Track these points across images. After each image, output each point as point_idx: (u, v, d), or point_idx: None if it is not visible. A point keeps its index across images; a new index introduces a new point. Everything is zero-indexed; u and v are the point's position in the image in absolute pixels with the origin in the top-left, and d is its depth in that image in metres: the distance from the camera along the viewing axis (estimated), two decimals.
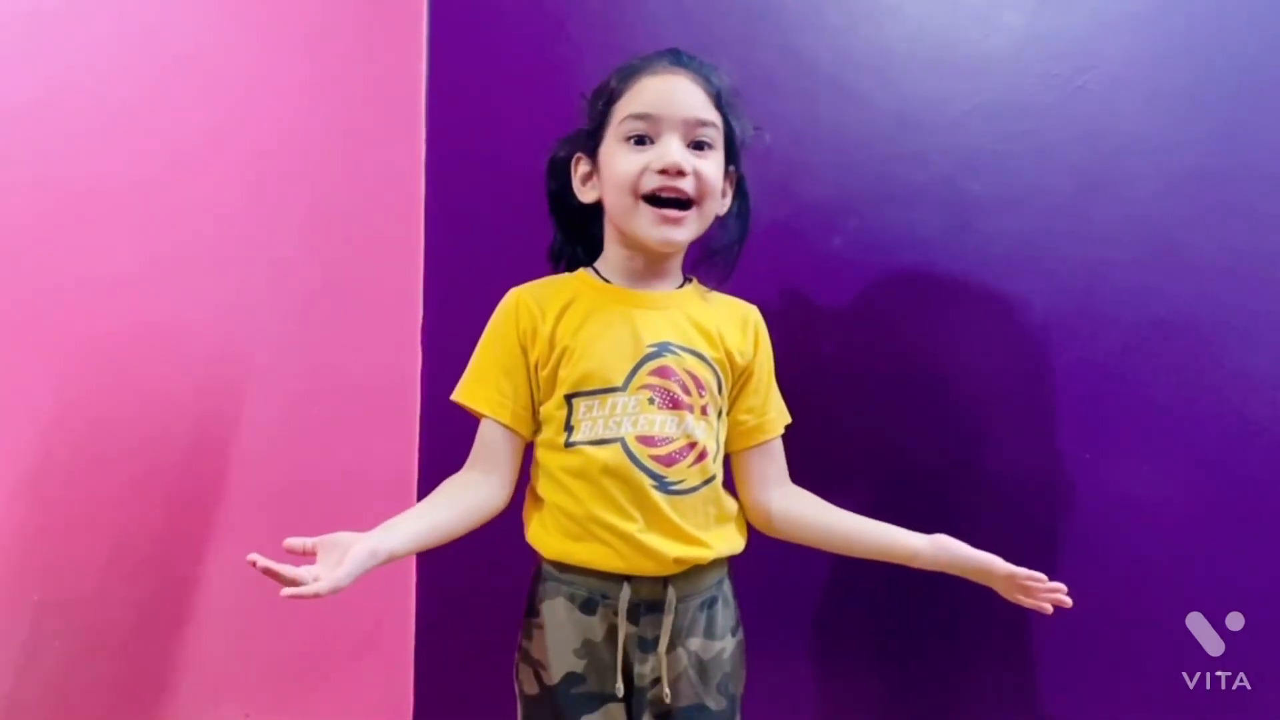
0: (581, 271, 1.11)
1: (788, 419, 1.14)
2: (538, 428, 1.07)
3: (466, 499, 1.04)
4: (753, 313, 1.13)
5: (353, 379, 1.45)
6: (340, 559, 0.86)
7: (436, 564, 1.50)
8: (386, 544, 0.92)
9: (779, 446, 1.13)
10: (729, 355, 1.07)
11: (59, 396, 1.07)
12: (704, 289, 1.12)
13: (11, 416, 1.03)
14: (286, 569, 0.83)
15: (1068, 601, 1.03)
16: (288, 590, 0.82)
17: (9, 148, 1.01)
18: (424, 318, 1.52)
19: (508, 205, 1.42)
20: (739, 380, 1.10)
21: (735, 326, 1.10)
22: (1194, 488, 1.28)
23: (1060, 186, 1.31)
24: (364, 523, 1.48)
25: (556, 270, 1.15)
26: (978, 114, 1.34)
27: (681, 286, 1.11)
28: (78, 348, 1.08)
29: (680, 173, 1.01)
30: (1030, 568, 1.04)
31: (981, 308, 1.33)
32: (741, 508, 1.11)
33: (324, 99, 1.41)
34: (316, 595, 0.82)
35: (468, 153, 1.50)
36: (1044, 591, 1.03)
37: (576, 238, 1.14)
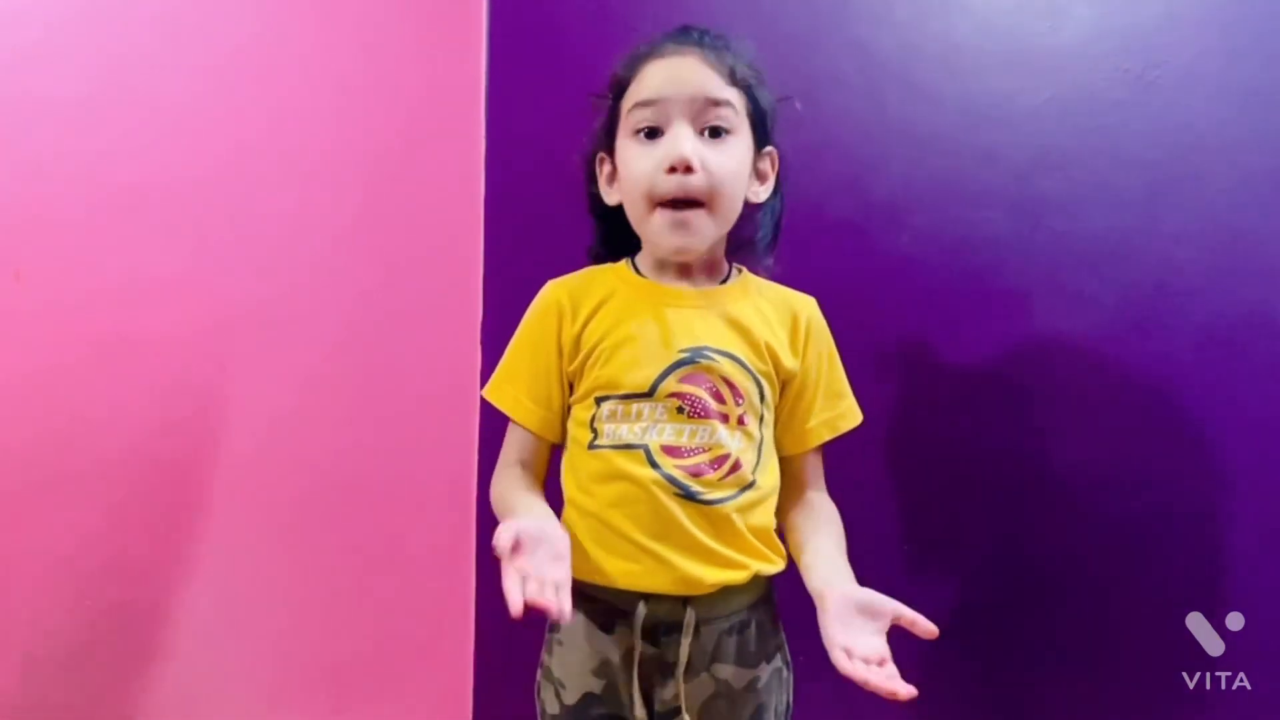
0: (622, 264, 1.05)
1: (855, 418, 1.06)
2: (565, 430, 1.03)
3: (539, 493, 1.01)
4: (806, 307, 1.05)
5: (411, 379, 1.44)
6: (553, 553, 0.85)
7: (496, 569, 1.49)
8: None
9: (816, 458, 1.05)
10: (774, 358, 1.00)
11: (109, 393, 1.07)
12: (753, 280, 1.05)
13: (63, 411, 1.02)
14: (540, 600, 0.80)
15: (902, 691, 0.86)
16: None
17: (59, 145, 1.00)
18: (484, 317, 1.51)
19: (569, 203, 1.39)
20: (788, 384, 1.02)
21: (784, 325, 1.02)
22: (1217, 489, 1.26)
23: (1131, 184, 1.30)
24: (424, 526, 1.47)
25: None
26: (1047, 110, 1.32)
27: (726, 280, 1.04)
28: (125, 345, 1.07)
29: (689, 168, 0.94)
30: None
31: (1051, 307, 1.32)
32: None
33: (381, 96, 1.39)
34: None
35: (529, 149, 1.48)
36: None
37: (616, 237, 1.08)
